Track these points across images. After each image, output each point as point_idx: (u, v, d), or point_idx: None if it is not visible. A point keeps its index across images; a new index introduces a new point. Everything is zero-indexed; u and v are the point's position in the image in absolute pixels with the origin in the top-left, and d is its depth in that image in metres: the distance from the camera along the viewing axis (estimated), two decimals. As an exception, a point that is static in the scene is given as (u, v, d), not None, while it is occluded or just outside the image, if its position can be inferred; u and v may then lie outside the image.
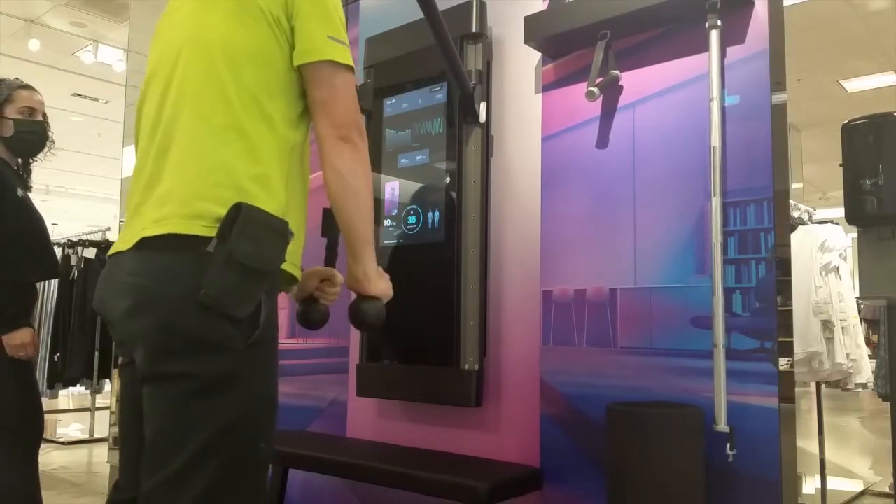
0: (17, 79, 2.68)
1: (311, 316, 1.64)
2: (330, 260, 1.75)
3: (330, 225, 1.67)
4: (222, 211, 1.28)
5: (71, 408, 7.62)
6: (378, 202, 2.75)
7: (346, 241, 1.49)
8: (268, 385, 1.36)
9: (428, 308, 2.56)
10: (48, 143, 2.69)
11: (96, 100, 8.68)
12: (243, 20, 1.38)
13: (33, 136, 2.61)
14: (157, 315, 1.28)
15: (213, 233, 1.27)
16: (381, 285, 1.53)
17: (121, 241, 1.40)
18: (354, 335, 2.84)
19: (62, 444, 5.79)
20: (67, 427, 6.52)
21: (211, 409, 1.26)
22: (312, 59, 1.39)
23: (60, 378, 5.70)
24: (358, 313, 1.52)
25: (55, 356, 5.65)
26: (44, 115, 2.66)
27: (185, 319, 1.27)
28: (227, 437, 1.26)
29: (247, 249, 1.26)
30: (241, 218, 1.26)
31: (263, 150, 1.36)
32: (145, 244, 1.32)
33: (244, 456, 1.30)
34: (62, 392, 6.18)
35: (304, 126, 1.47)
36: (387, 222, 2.71)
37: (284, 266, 1.38)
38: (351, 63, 1.44)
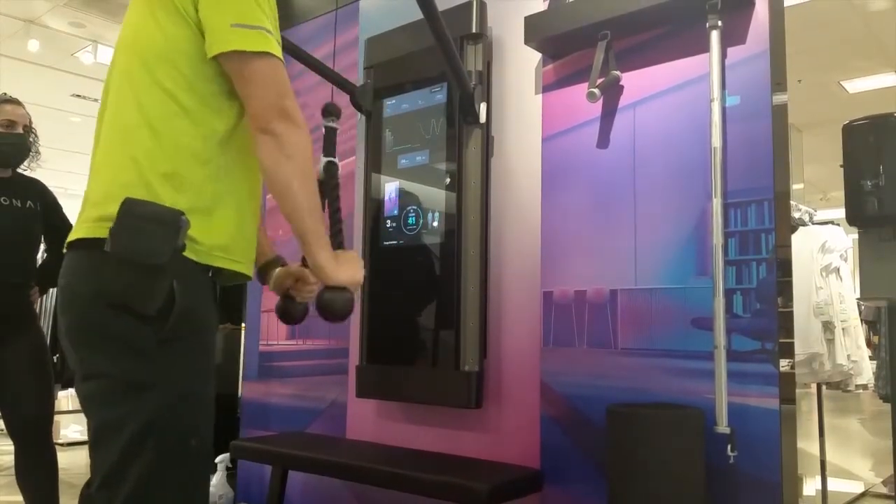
0: (4, 94, 2.79)
1: (288, 311, 1.63)
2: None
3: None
4: None
5: (70, 409, 7.60)
6: (378, 202, 2.74)
7: (292, 233, 1.41)
8: (191, 380, 1.33)
9: (428, 309, 2.56)
10: (32, 155, 2.81)
11: (96, 100, 8.61)
12: (157, 18, 1.36)
13: (11, 147, 2.71)
14: (72, 314, 1.32)
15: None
16: (340, 275, 1.42)
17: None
18: (354, 336, 2.84)
19: (61, 445, 5.77)
20: (67, 428, 6.50)
21: (130, 408, 1.26)
22: (215, 51, 1.32)
23: (60, 379, 5.66)
24: (320, 304, 1.43)
25: (54, 357, 5.64)
26: (26, 127, 2.76)
27: (94, 318, 1.28)
28: (149, 436, 1.25)
29: (128, 244, 1.25)
30: (120, 212, 1.26)
31: (178, 145, 1.33)
32: (69, 246, 1.37)
33: (172, 453, 1.28)
34: (62, 393, 6.16)
35: (237, 113, 1.39)
36: (387, 223, 2.70)
37: (210, 262, 1.34)
38: (264, 48, 1.32)
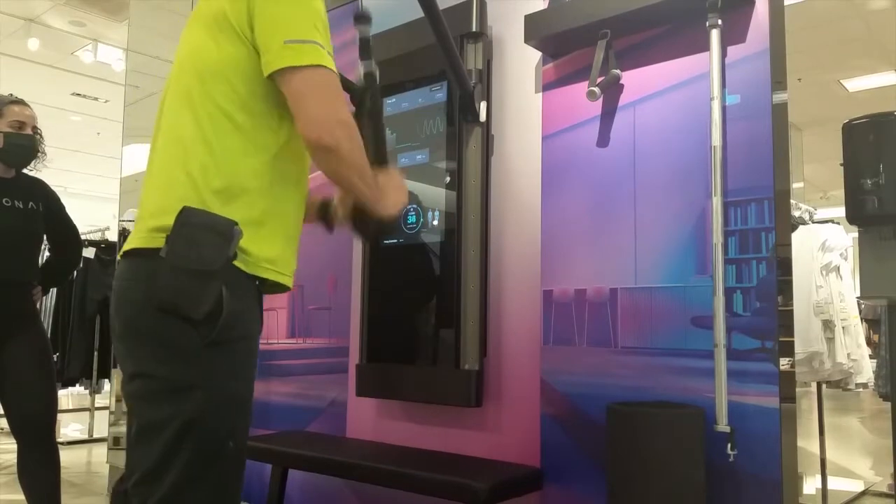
0: (10, 95, 2.80)
1: (363, 227, 1.62)
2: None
3: (359, 128, 1.66)
4: None
5: (70, 408, 7.61)
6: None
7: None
8: (232, 384, 1.38)
9: (428, 308, 2.56)
10: (39, 156, 2.83)
11: (95, 99, 8.67)
12: (215, 36, 1.41)
13: (21, 148, 2.72)
14: (125, 317, 1.38)
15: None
16: (391, 210, 1.55)
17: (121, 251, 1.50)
18: (354, 335, 2.84)
19: (61, 444, 5.75)
20: (67, 427, 6.51)
21: (173, 408, 1.31)
22: (270, 70, 1.37)
23: (60, 378, 5.69)
24: (377, 228, 1.58)
25: (55, 356, 5.65)
26: (34, 128, 2.79)
27: (144, 322, 1.34)
28: (190, 435, 1.30)
29: (183, 251, 1.31)
30: (177, 221, 1.32)
31: (232, 162, 1.38)
32: (125, 254, 1.43)
33: (210, 453, 1.33)
34: (61, 392, 6.17)
35: (288, 131, 1.44)
36: (387, 222, 2.70)
37: (258, 272, 1.40)
38: (315, 61, 1.36)
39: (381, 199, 1.53)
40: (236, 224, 1.35)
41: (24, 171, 2.82)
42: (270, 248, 1.42)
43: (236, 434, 1.39)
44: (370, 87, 1.72)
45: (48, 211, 2.82)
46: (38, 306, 2.87)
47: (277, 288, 1.49)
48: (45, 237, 2.87)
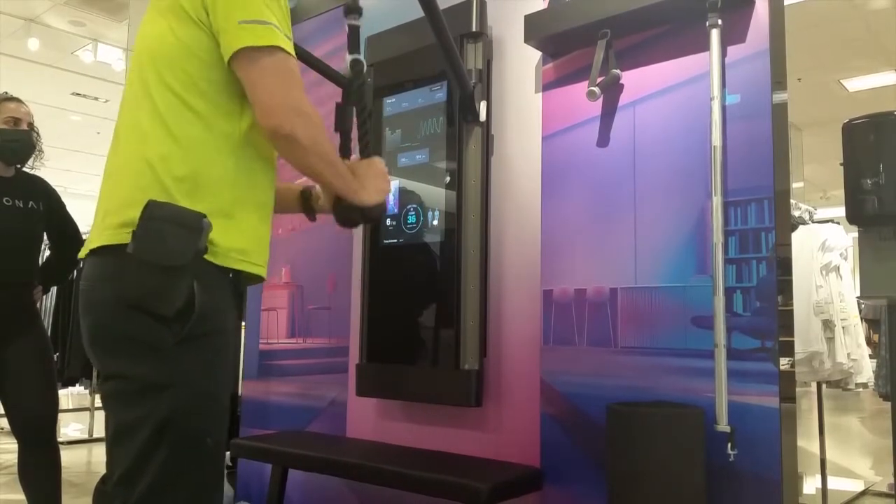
0: (5, 92, 2.80)
1: (346, 215, 1.58)
2: (344, 149, 1.67)
3: (342, 118, 1.66)
4: None
5: (70, 407, 7.60)
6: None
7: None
8: (207, 380, 1.35)
9: (428, 308, 2.56)
10: (36, 153, 2.81)
11: (95, 99, 8.67)
12: (170, 25, 1.39)
13: (17, 144, 2.71)
14: (94, 317, 1.35)
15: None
16: (371, 197, 1.53)
17: (83, 247, 1.45)
18: (354, 335, 2.84)
19: (61, 443, 5.77)
20: (67, 427, 6.51)
21: (149, 406, 1.29)
22: (229, 53, 1.33)
23: (60, 377, 5.68)
24: (362, 215, 1.55)
25: (55, 356, 5.64)
26: (30, 124, 2.77)
27: (114, 321, 1.31)
28: (167, 434, 1.28)
29: (150, 247, 1.27)
30: (143, 215, 1.28)
31: (193, 149, 1.35)
32: (90, 252, 1.39)
33: (188, 451, 1.31)
34: (61, 392, 6.16)
35: (250, 118, 1.40)
36: (387, 221, 2.70)
37: (229, 264, 1.37)
38: (273, 42, 1.32)
39: (360, 189, 1.50)
40: (205, 216, 1.31)
41: (24, 169, 2.82)
42: (240, 238, 1.38)
43: (213, 431, 1.36)
44: (357, 77, 1.69)
45: (49, 210, 2.81)
46: (38, 306, 2.86)
47: (252, 279, 1.46)
48: (45, 236, 2.87)
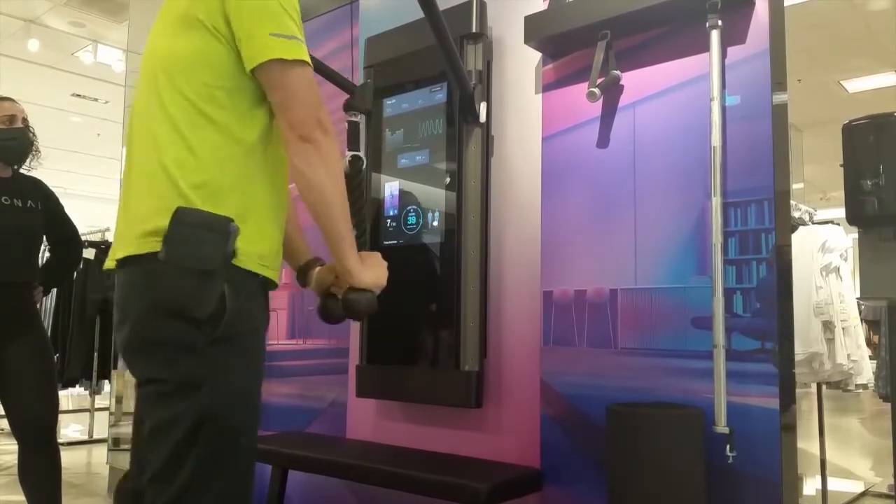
0: None
1: (330, 310, 1.63)
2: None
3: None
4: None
5: (70, 408, 7.60)
6: (377, 202, 2.74)
7: (323, 238, 1.49)
8: (240, 379, 1.38)
9: (428, 309, 2.56)
10: (33, 152, 2.80)
11: (95, 100, 8.67)
12: (184, 34, 1.41)
13: (15, 142, 2.71)
14: (130, 325, 1.37)
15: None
16: (366, 278, 1.51)
17: (109, 257, 1.47)
18: (354, 336, 2.84)
19: (62, 444, 5.76)
20: (67, 428, 6.51)
21: (184, 407, 1.31)
22: (257, 61, 1.37)
23: (60, 379, 5.68)
24: (344, 304, 1.52)
25: (54, 357, 5.63)
26: (24, 120, 2.76)
27: (147, 327, 1.35)
28: (201, 433, 1.31)
29: (182, 252, 1.31)
30: (173, 221, 1.32)
31: (208, 156, 1.38)
32: (119, 264, 1.42)
33: (222, 450, 1.34)
34: (61, 393, 6.16)
35: (262, 125, 1.44)
36: (387, 222, 2.70)
37: (254, 268, 1.39)
38: (301, 56, 1.39)
39: (363, 269, 1.50)
40: (232, 221, 1.35)
41: (22, 170, 2.81)
42: (258, 243, 1.41)
43: (247, 430, 1.39)
44: (357, 173, 1.74)
45: (47, 211, 2.81)
46: (38, 307, 2.86)
47: (269, 285, 1.48)
48: (44, 237, 2.86)
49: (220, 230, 1.34)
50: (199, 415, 1.31)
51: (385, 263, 1.59)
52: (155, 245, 1.33)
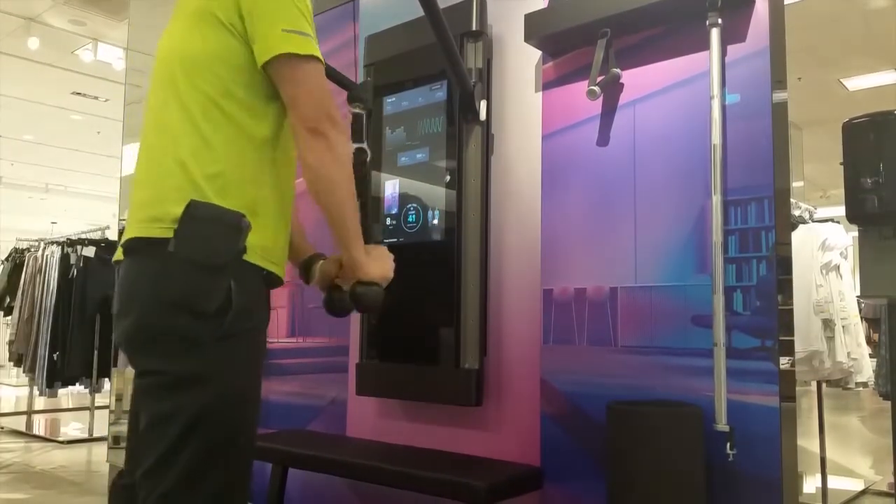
0: None
1: (335, 302, 1.62)
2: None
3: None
4: (181, 211, 1.34)
5: (70, 406, 7.61)
6: (377, 201, 2.74)
7: (330, 230, 1.49)
8: (241, 377, 1.38)
9: (428, 307, 2.56)
10: None
11: (96, 98, 8.67)
12: (200, 29, 1.43)
13: None
14: (133, 316, 1.36)
15: (171, 234, 1.33)
16: (372, 270, 1.52)
17: (119, 249, 1.48)
18: (355, 334, 2.84)
19: (62, 443, 5.78)
20: (67, 426, 6.52)
21: (183, 401, 1.31)
22: (269, 55, 1.39)
23: (60, 377, 5.70)
24: (353, 297, 1.52)
25: (54, 355, 5.65)
26: None
27: (153, 318, 1.34)
28: (199, 428, 1.30)
29: (195, 245, 1.32)
30: (186, 215, 1.32)
31: (223, 148, 1.39)
32: (126, 250, 1.42)
33: (220, 446, 1.33)
34: (61, 391, 6.18)
35: (274, 120, 1.46)
36: (387, 221, 2.70)
37: (260, 262, 1.40)
38: (313, 52, 1.42)
39: (367, 256, 1.51)
40: (244, 216, 1.35)
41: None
42: (264, 237, 1.42)
43: (245, 428, 1.39)
44: (361, 165, 1.75)
45: None
46: None
47: (274, 281, 1.48)
48: None
49: (233, 225, 1.35)
50: (197, 410, 1.30)
51: (391, 256, 1.60)
52: (162, 231, 1.33)
